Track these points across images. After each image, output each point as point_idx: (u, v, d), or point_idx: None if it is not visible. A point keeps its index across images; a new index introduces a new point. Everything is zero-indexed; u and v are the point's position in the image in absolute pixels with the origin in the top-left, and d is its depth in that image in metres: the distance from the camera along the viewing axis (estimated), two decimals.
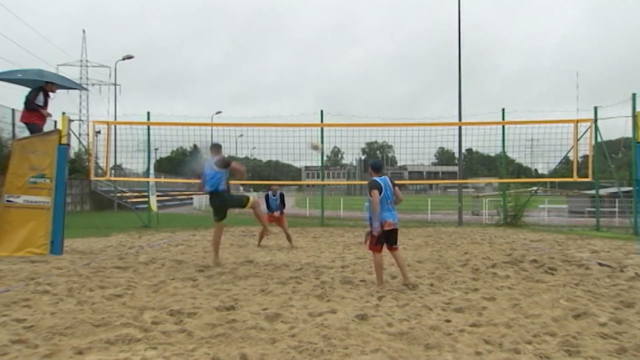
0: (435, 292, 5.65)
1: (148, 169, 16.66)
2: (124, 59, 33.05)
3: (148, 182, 17.73)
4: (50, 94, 9.13)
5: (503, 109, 15.90)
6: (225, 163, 7.12)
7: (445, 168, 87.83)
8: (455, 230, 14.49)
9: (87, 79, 55.46)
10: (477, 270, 7.06)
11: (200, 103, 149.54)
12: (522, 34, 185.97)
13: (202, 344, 3.74)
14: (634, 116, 9.78)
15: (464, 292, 5.64)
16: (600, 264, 7.49)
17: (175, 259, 8.08)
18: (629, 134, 11.18)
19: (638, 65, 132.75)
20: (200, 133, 15.97)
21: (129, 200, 23.44)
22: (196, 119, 19.22)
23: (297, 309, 4.82)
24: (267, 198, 10.67)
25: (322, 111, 16.27)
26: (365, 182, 6.20)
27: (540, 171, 19.77)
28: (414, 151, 15.91)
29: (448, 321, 4.38)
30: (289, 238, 10.32)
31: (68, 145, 9.18)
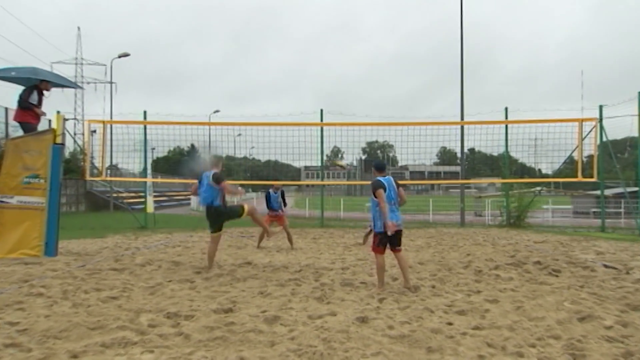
0: (437, 294, 5.62)
1: (145, 168, 16.58)
2: (119, 56, 32.88)
3: (145, 182, 17.64)
4: (45, 92, 9.03)
5: (506, 108, 15.83)
6: (218, 181, 7.01)
7: (447, 168, 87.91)
8: (457, 232, 14.44)
9: (82, 77, 55.18)
10: (480, 272, 7.03)
11: (197, 102, 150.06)
12: (526, 31, 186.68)
13: (199, 347, 3.71)
14: None
15: (467, 294, 5.61)
16: (606, 266, 7.46)
17: (172, 261, 8.04)
18: (635, 133, 11.15)
19: None
20: (198, 132, 15.88)
21: (125, 200, 23.33)
22: (194, 118, 19.10)
23: (296, 311, 4.78)
24: (268, 195, 10.53)
25: (322, 110, 16.23)
26: (366, 182, 6.13)
27: (544, 171, 19.63)
28: (415, 151, 15.75)
29: (450, 324, 4.34)
30: (289, 238, 10.24)
31: (63, 144, 9.11)
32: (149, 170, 16.91)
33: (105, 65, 49.33)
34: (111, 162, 25.33)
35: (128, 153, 16.09)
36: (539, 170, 20.97)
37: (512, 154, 17.37)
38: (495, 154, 18.35)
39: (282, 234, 10.53)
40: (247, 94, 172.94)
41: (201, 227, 15.14)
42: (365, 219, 13.01)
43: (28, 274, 6.62)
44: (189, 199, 34.64)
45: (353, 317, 4.50)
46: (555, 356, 3.52)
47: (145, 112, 15.95)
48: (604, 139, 14.25)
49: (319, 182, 21.99)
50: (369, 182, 6.07)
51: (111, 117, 23.61)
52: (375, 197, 5.73)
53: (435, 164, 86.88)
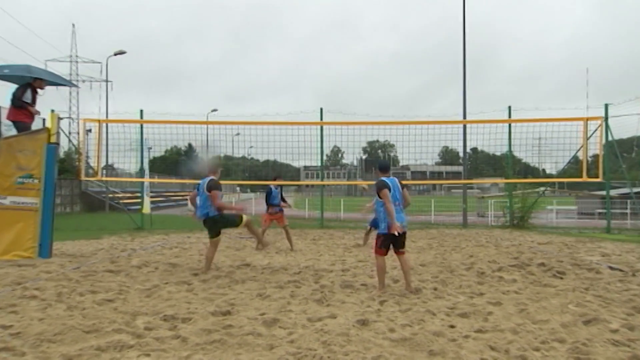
0: (439, 296, 5.59)
1: (141, 168, 16.51)
2: (115, 54, 32.82)
3: (141, 182, 17.57)
4: (39, 90, 8.96)
5: (509, 107, 15.77)
6: (209, 190, 6.99)
7: (449, 168, 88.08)
8: (459, 233, 14.40)
9: (77, 75, 55.29)
10: (483, 274, 7.00)
11: (195, 101, 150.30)
12: (529, 29, 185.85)
13: (197, 350, 3.69)
14: None
15: (469, 296, 5.58)
16: (611, 268, 7.42)
17: (169, 262, 7.99)
18: None
19: None
20: (196, 132, 15.85)
21: (121, 201, 23.23)
22: (191, 117, 19.05)
23: (295, 314, 4.77)
24: (269, 191, 10.41)
25: (321, 109, 16.25)
26: (366, 183, 6.06)
27: (548, 171, 19.62)
28: (416, 150, 15.69)
29: (452, 327, 4.32)
30: (289, 238, 10.15)
31: (57, 144, 9.04)
32: (147, 171, 16.85)
33: (100, 63, 49.59)
34: (107, 162, 25.30)
35: (124, 153, 16.11)
36: (543, 170, 20.95)
37: (516, 153, 17.34)
38: (498, 153, 18.32)
39: (281, 235, 10.46)
40: (245, 93, 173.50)
41: (198, 228, 15.04)
42: (365, 220, 12.92)
43: (21, 276, 6.55)
44: (186, 200, 34.58)
45: (353, 319, 4.47)
46: None
47: (141, 111, 15.86)
48: (610, 138, 14.22)
49: (318, 182, 21.96)
50: (370, 183, 6.00)
51: (107, 116, 23.55)
52: (380, 197, 5.69)
53: (437, 163, 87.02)
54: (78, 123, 37.64)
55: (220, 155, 16.26)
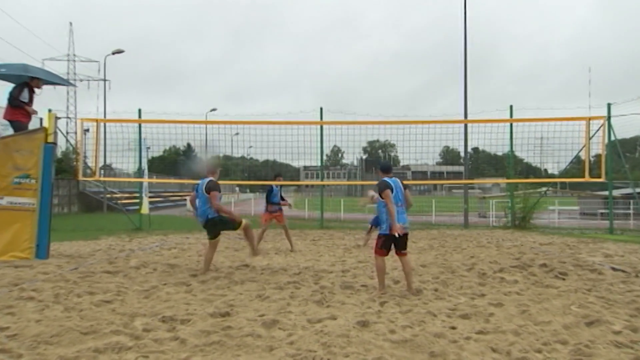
0: (440, 297, 5.57)
1: (140, 168, 16.47)
2: (113, 53, 32.80)
3: (139, 182, 17.53)
4: (36, 90, 8.92)
5: (511, 106, 15.70)
6: (208, 191, 6.98)
7: (450, 168, 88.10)
8: (460, 233, 14.38)
9: (75, 74, 55.05)
10: (484, 274, 6.98)
11: (194, 100, 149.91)
12: (531, 28, 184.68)
13: (195, 352, 3.67)
14: None
15: (470, 297, 5.56)
16: (614, 269, 7.40)
17: (167, 263, 7.97)
18: None
19: None
20: (195, 131, 15.91)
21: (119, 201, 23.20)
22: (190, 116, 19.02)
23: (295, 315, 4.76)
24: (270, 190, 10.37)
25: (321, 109, 16.21)
26: (366, 183, 6.04)
27: (550, 171, 19.59)
28: (417, 150, 15.53)
29: (453, 328, 4.31)
30: (288, 237, 10.13)
31: (55, 143, 8.98)
32: (145, 171, 16.81)
33: (98, 62, 49.10)
34: (105, 161, 25.24)
35: (122, 152, 15.99)
36: (545, 170, 20.94)
37: (517, 153, 17.27)
38: (499, 153, 18.28)
39: (280, 235, 10.43)
40: (245, 92, 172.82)
41: (197, 228, 15.02)
42: (366, 220, 12.92)
43: (18, 277, 6.52)
44: (185, 200, 34.56)
45: (353, 321, 4.46)
46: None
47: (140, 111, 15.82)
48: (612, 137, 14.18)
49: (318, 182, 21.94)
50: (370, 182, 5.98)
51: (105, 116, 23.46)
52: (382, 198, 5.67)
53: (438, 163, 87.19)
54: (76, 122, 37.65)
55: (220, 155, 16.26)
